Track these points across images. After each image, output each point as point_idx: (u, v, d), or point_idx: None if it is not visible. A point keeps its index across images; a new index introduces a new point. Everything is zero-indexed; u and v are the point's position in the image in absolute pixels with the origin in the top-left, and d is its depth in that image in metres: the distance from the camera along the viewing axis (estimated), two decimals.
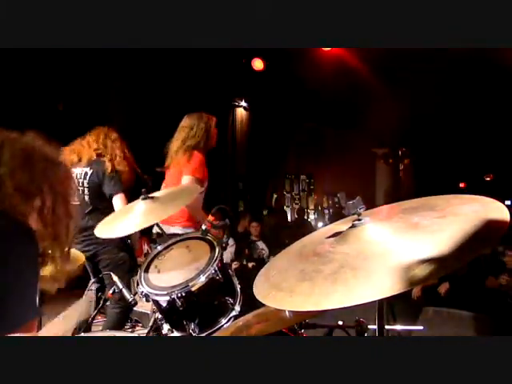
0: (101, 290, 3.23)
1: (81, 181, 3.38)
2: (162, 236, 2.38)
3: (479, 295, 3.97)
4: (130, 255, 3.48)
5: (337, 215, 11.09)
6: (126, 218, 2.26)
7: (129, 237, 3.45)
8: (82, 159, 3.41)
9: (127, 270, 3.33)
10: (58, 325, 1.75)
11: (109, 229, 2.27)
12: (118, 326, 3.30)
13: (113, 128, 3.63)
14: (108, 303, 3.16)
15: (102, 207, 3.34)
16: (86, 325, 2.58)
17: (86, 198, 3.38)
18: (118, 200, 3.31)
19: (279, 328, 1.65)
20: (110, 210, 3.25)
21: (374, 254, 1.06)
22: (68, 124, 3.62)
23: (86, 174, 3.39)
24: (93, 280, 3.20)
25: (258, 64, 8.35)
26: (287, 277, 1.17)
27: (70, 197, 1.39)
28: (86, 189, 3.38)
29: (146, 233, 3.82)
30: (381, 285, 0.97)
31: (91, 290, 3.50)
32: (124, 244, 3.45)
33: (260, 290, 1.19)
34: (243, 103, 10.15)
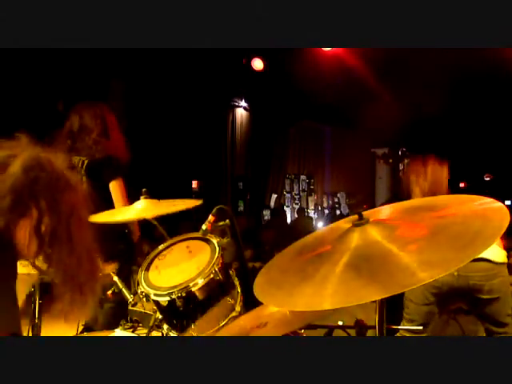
0: None
1: (78, 169, 3.37)
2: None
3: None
4: (128, 246, 3.46)
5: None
6: (122, 211, 2.30)
7: (127, 227, 3.44)
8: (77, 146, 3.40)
9: (123, 266, 3.30)
10: None
11: (102, 217, 2.28)
12: (113, 320, 3.28)
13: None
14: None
15: (101, 196, 3.31)
16: None
17: (85, 185, 3.37)
18: (114, 186, 3.31)
19: (281, 333, 1.64)
20: (110, 198, 3.27)
21: (374, 254, 1.06)
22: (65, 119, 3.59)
23: (82, 162, 3.40)
24: None
25: (257, 64, 8.35)
26: (288, 277, 1.17)
27: (82, 224, 1.34)
28: (83, 177, 3.37)
29: (146, 233, 3.81)
30: (381, 285, 0.97)
31: None
32: (123, 235, 3.43)
33: (260, 289, 1.19)
34: (243, 103, 10.15)
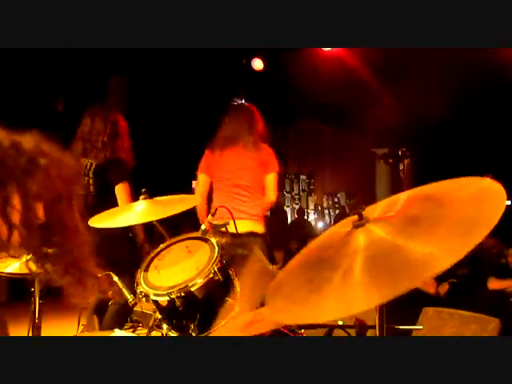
0: None
1: (86, 171, 3.39)
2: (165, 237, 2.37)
3: (480, 296, 3.96)
4: (130, 250, 3.44)
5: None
6: (122, 213, 2.32)
7: (131, 230, 3.44)
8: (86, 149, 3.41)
9: (128, 269, 3.29)
10: None
11: (102, 220, 2.28)
12: (117, 322, 3.28)
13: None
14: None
15: (108, 198, 3.31)
16: None
17: (91, 188, 3.38)
18: (120, 189, 3.31)
19: (275, 327, 1.63)
20: (116, 201, 3.27)
21: (374, 255, 1.06)
22: (68, 124, 3.61)
23: (91, 164, 3.40)
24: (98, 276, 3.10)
25: (257, 64, 8.35)
26: (298, 288, 1.15)
27: (58, 200, 1.27)
28: (91, 179, 3.38)
29: (146, 233, 3.80)
30: (386, 286, 0.96)
31: None
32: (126, 238, 3.42)
33: (273, 304, 1.17)
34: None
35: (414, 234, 1.07)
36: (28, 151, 1.24)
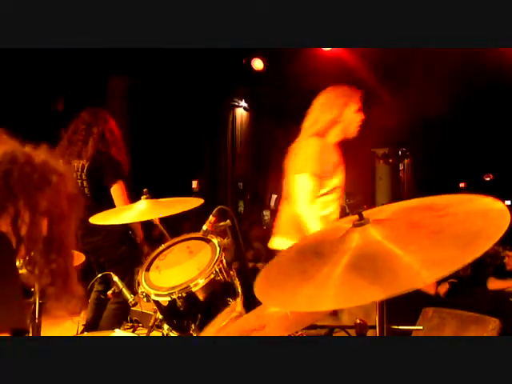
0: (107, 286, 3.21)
1: (78, 173, 3.37)
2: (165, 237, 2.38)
3: (480, 296, 3.96)
4: (131, 249, 3.45)
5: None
6: (123, 211, 2.35)
7: (130, 229, 3.44)
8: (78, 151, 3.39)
9: (128, 268, 3.30)
10: None
11: (103, 218, 2.29)
12: (115, 321, 3.28)
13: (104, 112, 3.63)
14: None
15: (103, 199, 3.30)
16: None
17: (86, 190, 3.37)
18: (115, 190, 3.28)
19: (279, 334, 1.64)
20: (111, 201, 3.26)
21: (375, 254, 1.06)
22: (68, 124, 3.60)
23: (83, 166, 3.39)
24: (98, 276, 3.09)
25: (257, 64, 8.34)
26: (289, 277, 1.17)
27: (64, 220, 1.28)
28: (84, 181, 3.36)
29: (144, 234, 3.81)
30: (383, 285, 0.96)
31: (98, 290, 3.46)
32: (126, 237, 3.43)
33: (261, 290, 1.18)
34: (243, 103, 10.14)
35: (410, 242, 1.06)
36: (40, 167, 1.25)
